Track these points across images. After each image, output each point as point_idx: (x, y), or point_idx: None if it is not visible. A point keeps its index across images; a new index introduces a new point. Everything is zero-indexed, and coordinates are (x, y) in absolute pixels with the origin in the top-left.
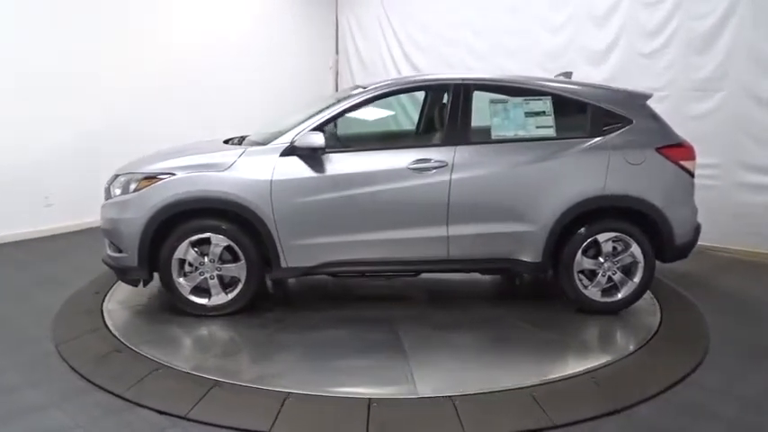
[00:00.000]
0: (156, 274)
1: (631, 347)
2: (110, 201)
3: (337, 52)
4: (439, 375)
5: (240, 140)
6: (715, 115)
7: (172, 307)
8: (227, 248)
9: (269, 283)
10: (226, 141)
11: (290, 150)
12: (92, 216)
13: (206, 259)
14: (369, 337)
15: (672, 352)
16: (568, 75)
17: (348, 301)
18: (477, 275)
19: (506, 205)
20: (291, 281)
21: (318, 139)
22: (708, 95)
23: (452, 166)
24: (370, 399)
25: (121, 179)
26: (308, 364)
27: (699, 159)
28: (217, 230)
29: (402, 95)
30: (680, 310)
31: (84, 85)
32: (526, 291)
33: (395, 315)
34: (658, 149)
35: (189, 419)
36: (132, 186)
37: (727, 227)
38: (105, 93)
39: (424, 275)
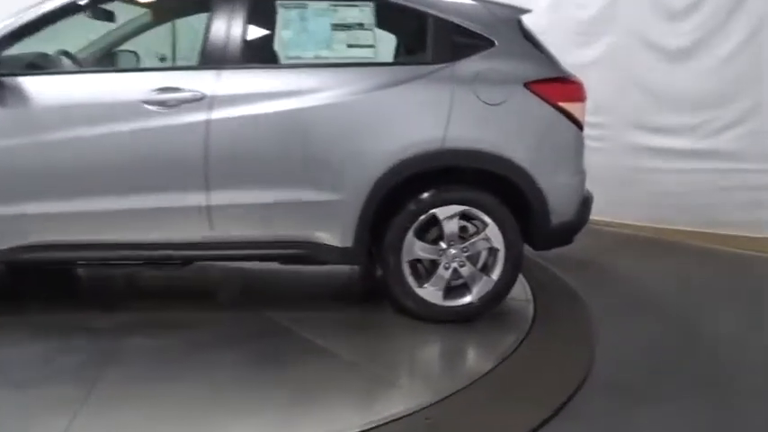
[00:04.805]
0: None
1: (490, 365)
2: None
3: None
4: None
5: None
6: (601, 64)
7: None
8: None
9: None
10: None
11: None
12: None
13: None
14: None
15: (549, 366)
16: None
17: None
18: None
19: (297, 162)
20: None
21: None
22: (593, 39)
23: (213, 99)
24: None
25: None
26: None
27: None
28: None
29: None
30: (559, 300)
31: None
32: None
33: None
34: (528, 84)
35: None
36: None
37: (616, 197)
38: None
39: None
